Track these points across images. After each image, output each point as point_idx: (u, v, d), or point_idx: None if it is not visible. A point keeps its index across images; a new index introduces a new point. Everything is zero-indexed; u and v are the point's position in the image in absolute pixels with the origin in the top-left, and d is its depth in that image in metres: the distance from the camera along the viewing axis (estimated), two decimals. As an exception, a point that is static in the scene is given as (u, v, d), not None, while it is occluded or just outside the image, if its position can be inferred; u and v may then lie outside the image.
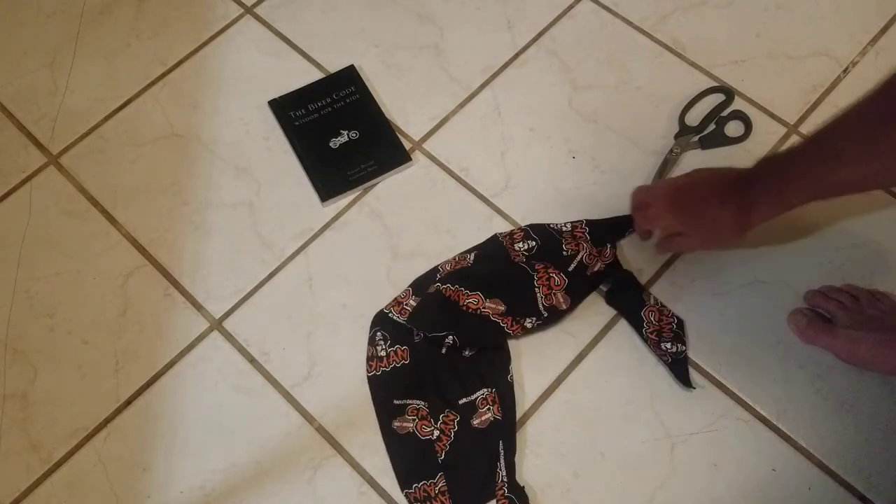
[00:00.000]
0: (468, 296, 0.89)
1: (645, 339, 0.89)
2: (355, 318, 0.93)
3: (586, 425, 0.87)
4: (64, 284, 0.96)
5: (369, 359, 0.90)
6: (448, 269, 0.93)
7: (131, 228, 1.00)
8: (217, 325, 0.94)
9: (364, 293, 0.95)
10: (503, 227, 0.98)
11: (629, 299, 0.91)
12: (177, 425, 0.89)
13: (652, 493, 0.84)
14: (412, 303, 0.91)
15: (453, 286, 0.90)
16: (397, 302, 0.92)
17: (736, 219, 0.79)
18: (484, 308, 0.89)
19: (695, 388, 0.87)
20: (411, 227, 0.99)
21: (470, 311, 0.89)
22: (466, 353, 0.89)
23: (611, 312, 0.92)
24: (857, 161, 0.70)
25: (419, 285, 0.93)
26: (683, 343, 0.89)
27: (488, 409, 0.86)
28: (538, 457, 0.86)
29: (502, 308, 0.89)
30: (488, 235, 0.97)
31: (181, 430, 0.89)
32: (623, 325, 0.92)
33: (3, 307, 0.95)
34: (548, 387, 0.89)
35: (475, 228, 0.98)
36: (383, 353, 0.89)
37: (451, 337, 0.88)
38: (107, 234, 0.99)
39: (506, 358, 0.89)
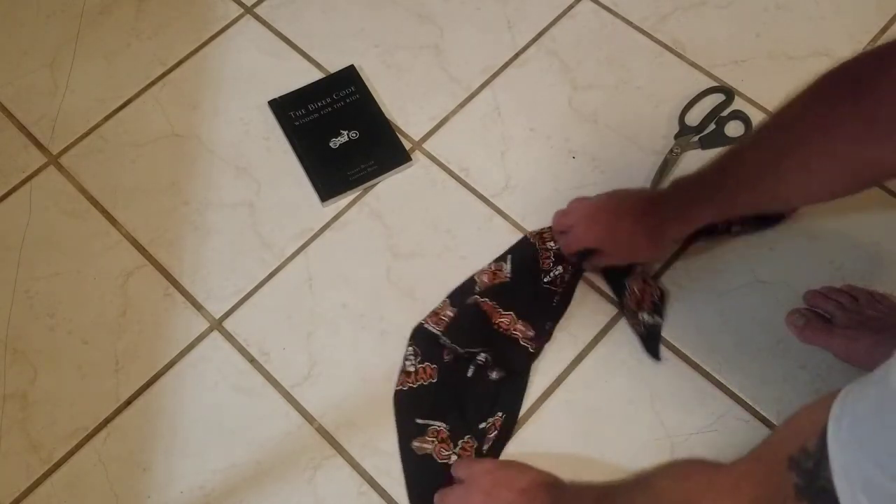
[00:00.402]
0: (501, 314, 0.89)
1: (623, 307, 0.90)
2: (355, 318, 0.93)
3: (586, 425, 0.87)
4: (64, 284, 0.96)
5: (400, 372, 0.90)
6: (486, 280, 0.93)
7: (131, 228, 1.00)
8: (217, 325, 0.94)
9: (364, 293, 0.95)
10: (503, 227, 0.98)
11: (618, 269, 0.92)
12: (177, 425, 0.89)
13: (652, 493, 0.84)
14: (449, 313, 0.91)
15: (491, 301, 0.90)
16: (434, 313, 0.92)
17: (649, 237, 0.84)
18: (514, 331, 0.89)
19: (660, 360, 0.89)
20: (411, 227, 0.99)
21: (501, 330, 0.89)
22: (494, 375, 0.89)
23: (611, 312, 0.92)
24: (756, 185, 0.72)
25: (456, 296, 0.93)
26: (661, 316, 0.90)
27: (495, 434, 0.86)
28: (538, 457, 0.86)
29: (531, 333, 0.89)
30: (488, 235, 0.97)
31: (181, 430, 0.89)
32: (623, 325, 0.92)
33: (3, 307, 0.95)
34: (548, 387, 0.89)
35: (475, 228, 0.98)
36: (412, 369, 0.89)
37: (482, 355, 0.88)
38: (107, 234, 0.99)
39: (524, 385, 0.89)
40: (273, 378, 0.91)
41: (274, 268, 0.97)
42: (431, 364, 0.89)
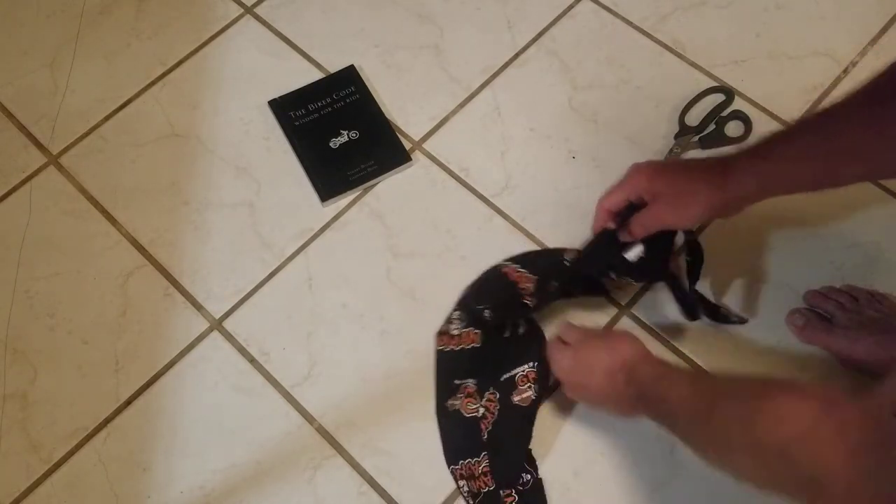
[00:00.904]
0: (528, 279, 0.88)
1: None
2: (355, 318, 0.93)
3: (586, 425, 0.87)
4: (64, 284, 0.96)
5: (440, 333, 0.90)
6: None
7: (131, 228, 1.00)
8: (217, 325, 0.94)
9: (364, 293, 0.95)
10: (503, 227, 0.98)
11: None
12: (177, 425, 0.89)
13: (652, 493, 0.84)
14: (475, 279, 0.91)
15: (514, 263, 0.90)
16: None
17: (707, 190, 0.76)
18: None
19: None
20: (411, 227, 0.99)
21: (524, 294, 0.88)
22: (521, 330, 0.89)
23: (611, 312, 0.92)
24: (858, 147, 0.68)
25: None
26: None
27: (529, 386, 0.86)
28: (538, 457, 0.86)
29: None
30: (488, 235, 0.97)
31: (181, 430, 0.89)
32: (623, 325, 0.92)
33: (3, 307, 0.95)
34: (547, 387, 0.89)
35: (475, 228, 0.98)
36: (456, 332, 0.89)
37: (487, 311, 0.88)
38: (107, 234, 0.99)
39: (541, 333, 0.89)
40: (273, 378, 0.91)
41: (274, 268, 0.97)
42: (475, 329, 0.89)
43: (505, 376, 0.87)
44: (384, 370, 0.91)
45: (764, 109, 1.04)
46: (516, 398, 0.86)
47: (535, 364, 0.86)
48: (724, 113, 1.03)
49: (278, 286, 0.96)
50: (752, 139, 1.01)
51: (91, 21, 1.14)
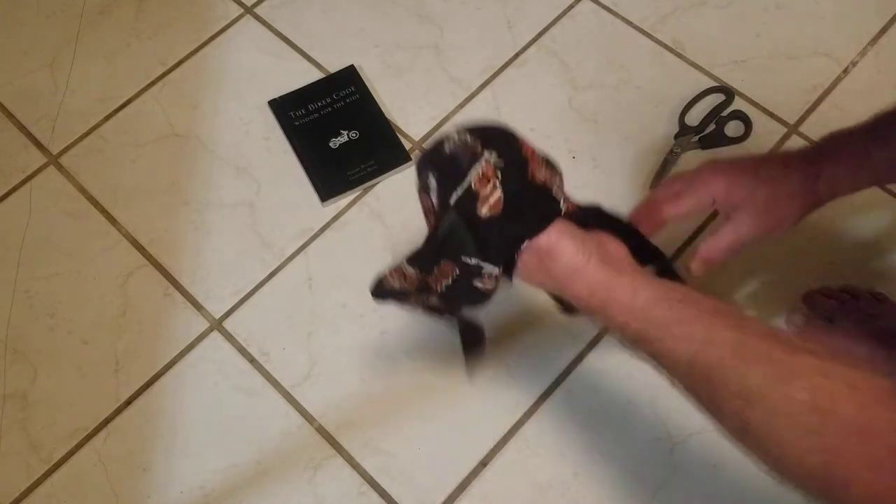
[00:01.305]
0: (539, 164, 0.71)
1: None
2: (355, 318, 0.93)
3: (586, 425, 0.87)
4: (64, 284, 0.96)
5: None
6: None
7: (131, 228, 1.00)
8: (217, 325, 0.94)
9: (364, 293, 0.94)
10: (503, 227, 0.98)
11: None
12: (177, 425, 0.89)
13: (652, 493, 0.84)
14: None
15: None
16: None
17: (800, 186, 0.68)
18: (551, 183, 0.72)
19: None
20: (411, 228, 0.98)
21: (536, 182, 0.71)
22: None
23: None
24: None
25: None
26: None
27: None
28: (538, 457, 0.86)
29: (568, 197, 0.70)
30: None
31: (181, 430, 0.89)
32: (623, 325, 0.92)
33: (3, 307, 0.95)
34: (548, 387, 0.89)
35: (475, 228, 0.98)
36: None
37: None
38: (107, 234, 0.99)
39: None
40: (273, 378, 0.91)
41: (274, 268, 0.97)
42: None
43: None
44: (384, 370, 0.91)
45: (764, 109, 1.04)
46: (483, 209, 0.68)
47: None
48: (724, 113, 1.03)
49: (278, 286, 0.96)
50: (753, 135, 1.02)
51: (91, 21, 1.14)
